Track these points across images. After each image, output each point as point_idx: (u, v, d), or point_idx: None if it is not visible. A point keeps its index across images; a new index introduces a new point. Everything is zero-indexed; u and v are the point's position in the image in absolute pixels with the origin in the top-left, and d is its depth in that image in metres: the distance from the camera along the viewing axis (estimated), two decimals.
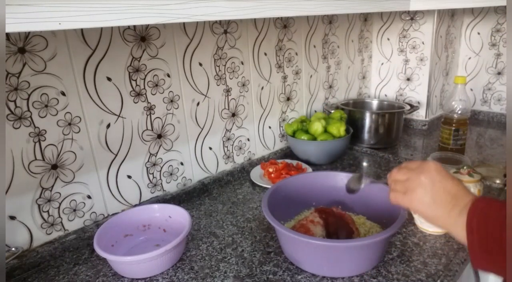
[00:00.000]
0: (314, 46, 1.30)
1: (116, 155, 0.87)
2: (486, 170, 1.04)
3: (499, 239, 0.46)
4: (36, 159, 0.74)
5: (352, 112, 1.33)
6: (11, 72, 0.68)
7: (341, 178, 0.88)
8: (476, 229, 0.48)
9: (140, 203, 0.93)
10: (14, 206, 0.73)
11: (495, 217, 0.47)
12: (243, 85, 1.10)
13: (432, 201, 0.52)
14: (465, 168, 0.84)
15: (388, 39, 1.53)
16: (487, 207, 0.49)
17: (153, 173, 0.95)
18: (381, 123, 1.29)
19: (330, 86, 1.43)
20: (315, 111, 1.39)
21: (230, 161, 1.13)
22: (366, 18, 1.50)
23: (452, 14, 1.47)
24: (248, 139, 1.17)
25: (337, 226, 0.75)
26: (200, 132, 1.03)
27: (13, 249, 0.73)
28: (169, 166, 0.98)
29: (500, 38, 1.51)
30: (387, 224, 0.69)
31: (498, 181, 0.99)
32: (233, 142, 1.13)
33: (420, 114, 1.51)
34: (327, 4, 0.83)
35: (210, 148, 1.07)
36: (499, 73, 1.54)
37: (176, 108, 0.95)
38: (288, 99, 1.26)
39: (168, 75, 0.92)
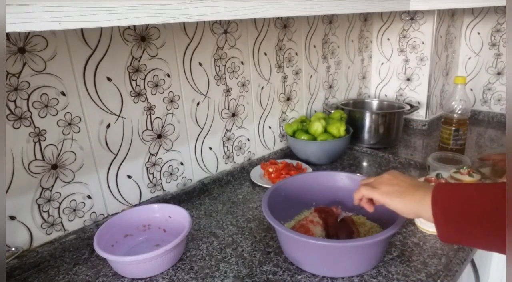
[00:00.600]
0: (314, 46, 1.30)
1: (116, 155, 0.87)
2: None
3: (460, 212, 0.50)
4: (36, 159, 0.74)
5: (352, 112, 1.33)
6: (11, 72, 0.68)
7: (341, 178, 0.88)
8: (441, 202, 0.53)
9: (140, 203, 0.93)
10: (14, 206, 0.73)
11: (458, 194, 0.52)
12: (243, 85, 1.10)
13: (397, 188, 0.61)
14: (465, 168, 0.84)
15: (388, 39, 1.53)
16: (450, 185, 0.55)
17: (153, 173, 0.95)
18: (381, 123, 1.29)
19: (330, 86, 1.43)
20: (315, 111, 1.39)
21: (230, 161, 1.13)
22: (366, 18, 1.50)
23: (452, 14, 1.47)
24: (248, 139, 1.17)
25: (337, 226, 0.75)
26: (200, 132, 1.03)
27: (13, 249, 0.73)
28: (169, 166, 0.98)
29: (500, 38, 1.51)
30: (387, 224, 0.69)
31: (500, 181, 0.99)
32: (233, 142, 1.13)
33: (420, 114, 1.51)
34: (327, 4, 0.83)
35: (210, 148, 1.07)
36: (499, 73, 1.54)
37: (176, 108, 0.95)
38: (288, 99, 1.26)
39: (168, 75, 0.92)
